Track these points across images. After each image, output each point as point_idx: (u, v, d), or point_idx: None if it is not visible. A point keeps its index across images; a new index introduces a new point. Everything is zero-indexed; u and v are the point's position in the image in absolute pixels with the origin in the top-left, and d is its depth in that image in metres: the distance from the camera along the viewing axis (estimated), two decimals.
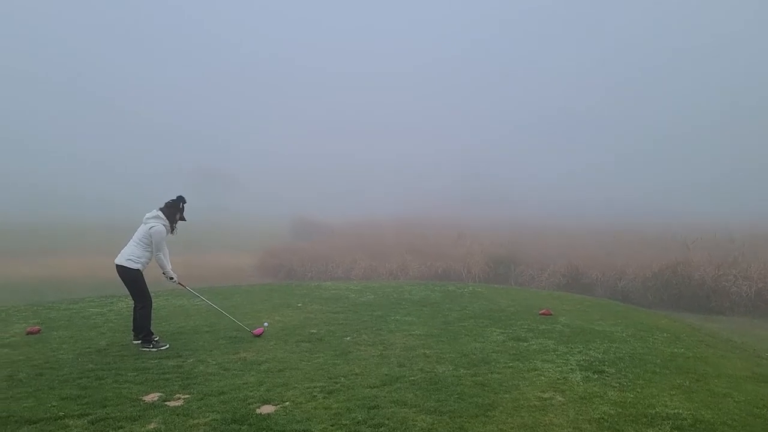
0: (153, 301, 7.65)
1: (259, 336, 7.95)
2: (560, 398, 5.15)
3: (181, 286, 7.96)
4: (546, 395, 5.24)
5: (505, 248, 23.29)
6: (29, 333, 8.03)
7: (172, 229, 7.66)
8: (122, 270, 7.33)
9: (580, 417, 4.70)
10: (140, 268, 7.39)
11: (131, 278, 7.35)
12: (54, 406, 4.94)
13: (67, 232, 44.47)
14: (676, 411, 4.84)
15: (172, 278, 7.65)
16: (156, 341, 7.35)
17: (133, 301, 7.65)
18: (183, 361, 6.53)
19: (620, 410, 4.84)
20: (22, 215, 60.55)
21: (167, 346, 7.34)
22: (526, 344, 7.38)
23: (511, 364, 6.34)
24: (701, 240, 20.55)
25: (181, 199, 7.76)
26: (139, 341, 7.41)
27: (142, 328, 7.36)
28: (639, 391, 5.40)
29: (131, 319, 7.74)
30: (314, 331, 8.28)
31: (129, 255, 7.33)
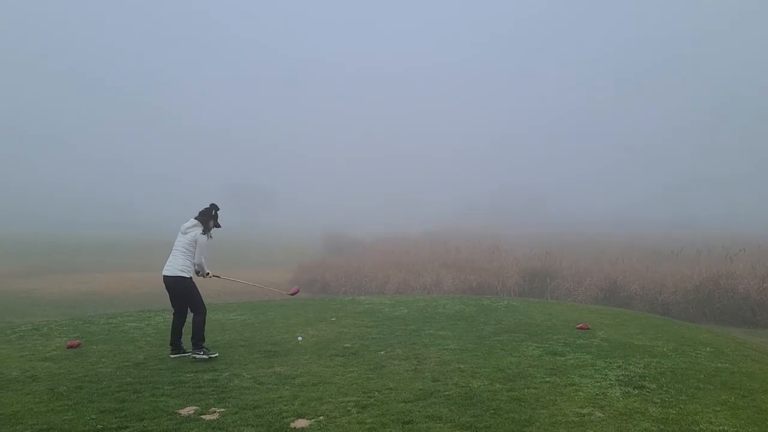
0: (188, 314, 7.81)
1: (294, 294, 8.44)
2: (599, 414, 5.03)
3: (217, 278, 8.26)
4: (585, 411, 5.11)
5: (540, 261, 22.96)
6: (69, 347, 8.19)
7: (209, 236, 7.90)
8: (177, 280, 7.57)
9: None
10: (192, 277, 7.69)
11: (186, 288, 7.63)
12: (93, 418, 5.01)
13: (107, 248, 45.47)
14: (721, 428, 4.67)
15: (208, 273, 7.97)
16: (206, 349, 7.55)
17: (172, 314, 7.90)
18: (218, 375, 6.57)
19: (662, 427, 4.70)
20: (63, 232, 62.18)
21: (217, 354, 7.56)
22: (563, 359, 7.24)
23: (547, 379, 6.22)
24: (744, 252, 19.98)
25: (214, 207, 8.03)
26: (179, 354, 7.62)
27: (197, 334, 7.56)
28: (682, 407, 5.23)
29: (170, 331, 7.91)
30: (348, 345, 8.27)
31: (180, 266, 7.61)
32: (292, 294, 8.58)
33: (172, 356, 7.64)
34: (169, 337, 7.87)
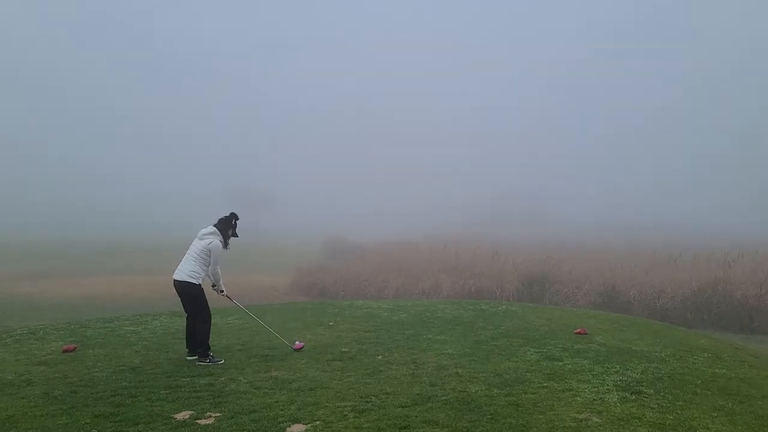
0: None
1: (299, 350, 8.11)
2: (597, 419, 5.01)
3: (229, 299, 8.15)
4: (582, 416, 5.10)
5: (539, 266, 22.95)
6: (65, 351, 8.15)
7: (226, 245, 7.83)
8: (184, 285, 7.51)
9: None
10: (201, 284, 7.60)
11: (193, 294, 7.55)
12: (87, 423, 4.99)
13: (105, 252, 45.42)
14: None
15: (222, 291, 7.90)
16: (212, 356, 7.51)
17: (186, 317, 7.84)
18: (215, 380, 6.55)
19: None
20: (62, 236, 62.12)
21: (223, 361, 7.49)
22: (560, 364, 7.22)
23: (545, 384, 6.20)
24: (742, 257, 19.97)
25: (234, 216, 7.96)
26: (195, 356, 7.57)
27: (201, 343, 7.52)
28: (679, 412, 5.22)
29: (185, 333, 7.87)
30: (346, 349, 8.24)
31: (190, 271, 7.52)
32: (296, 349, 8.35)
33: (188, 358, 7.63)
34: (184, 340, 7.88)
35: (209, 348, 7.58)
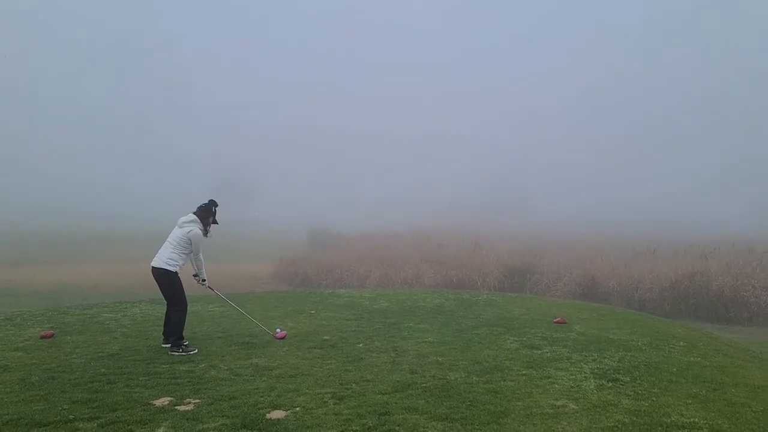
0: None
1: (281, 339, 8.10)
2: (573, 406, 5.08)
3: (210, 290, 8.14)
4: (559, 403, 5.16)
5: (521, 257, 23.08)
6: (43, 337, 8.07)
7: (206, 232, 7.75)
8: (161, 272, 7.44)
9: (594, 425, 4.63)
10: (178, 271, 7.52)
11: (169, 281, 7.47)
12: (65, 409, 4.95)
13: (85, 241, 44.94)
14: (691, 420, 4.75)
15: (204, 281, 7.88)
16: (185, 346, 7.43)
17: (166, 305, 7.77)
18: (195, 366, 6.53)
19: (634, 419, 4.76)
20: (42, 225, 61.36)
21: (196, 350, 7.42)
22: (539, 352, 7.30)
23: (524, 372, 6.27)
24: (719, 250, 20.25)
25: (213, 203, 7.88)
26: (169, 345, 7.49)
27: (174, 331, 7.45)
28: (654, 399, 5.31)
29: (164, 321, 7.83)
30: (327, 337, 8.26)
31: (167, 258, 7.45)
32: (278, 338, 8.30)
33: (163, 345, 7.58)
34: (162, 327, 7.82)
35: (182, 338, 7.50)
